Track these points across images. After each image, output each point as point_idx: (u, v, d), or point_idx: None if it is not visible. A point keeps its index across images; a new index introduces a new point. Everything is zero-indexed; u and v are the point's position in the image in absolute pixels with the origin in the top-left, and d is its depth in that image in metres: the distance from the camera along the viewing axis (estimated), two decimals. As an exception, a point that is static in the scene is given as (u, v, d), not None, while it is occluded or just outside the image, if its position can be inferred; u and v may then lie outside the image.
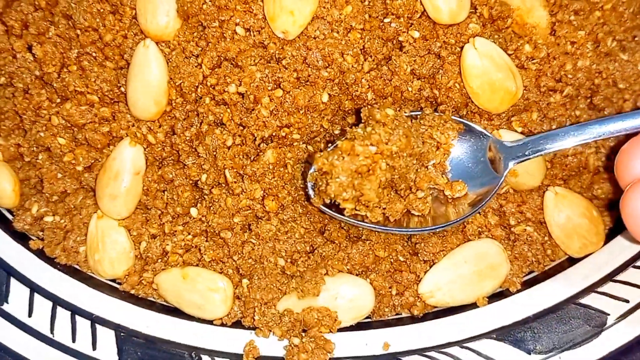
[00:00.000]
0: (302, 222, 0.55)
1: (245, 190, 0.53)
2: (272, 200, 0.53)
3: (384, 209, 0.51)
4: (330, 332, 0.52)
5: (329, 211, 0.53)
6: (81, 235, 0.57)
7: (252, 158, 0.54)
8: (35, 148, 0.58)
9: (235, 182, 0.53)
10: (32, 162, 0.59)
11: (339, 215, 0.52)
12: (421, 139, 0.52)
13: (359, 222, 0.53)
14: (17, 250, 0.57)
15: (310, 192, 0.53)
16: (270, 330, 0.53)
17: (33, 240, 0.58)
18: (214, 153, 0.53)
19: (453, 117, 0.53)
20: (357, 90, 0.52)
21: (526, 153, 0.52)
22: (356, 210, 0.50)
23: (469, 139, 0.53)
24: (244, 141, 0.53)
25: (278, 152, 0.53)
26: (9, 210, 0.60)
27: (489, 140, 0.53)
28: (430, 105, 0.55)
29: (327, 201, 0.50)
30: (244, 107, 0.53)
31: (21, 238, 0.58)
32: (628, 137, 0.50)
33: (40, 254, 0.57)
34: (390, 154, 0.47)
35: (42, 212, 0.58)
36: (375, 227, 0.52)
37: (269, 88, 0.52)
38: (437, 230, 0.53)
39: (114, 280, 0.57)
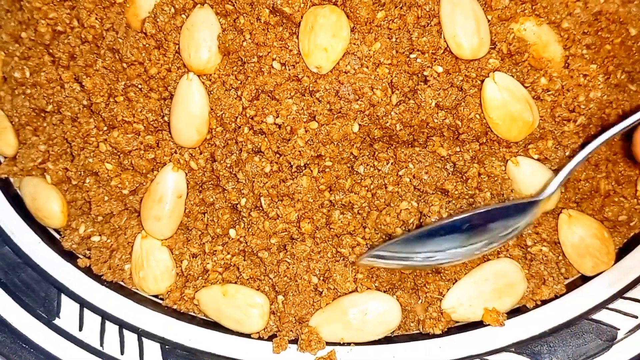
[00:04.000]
0: (334, 242, 0.59)
1: (280, 215, 0.57)
2: (308, 222, 0.57)
3: None
4: None
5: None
6: (126, 254, 0.61)
7: (288, 184, 0.58)
8: (82, 172, 0.62)
9: (270, 208, 0.57)
10: (78, 185, 0.63)
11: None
12: None
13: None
14: (66, 268, 0.61)
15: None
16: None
17: (80, 258, 0.62)
18: (253, 179, 0.57)
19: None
20: (387, 122, 0.56)
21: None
22: None
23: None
24: (280, 168, 0.57)
25: (312, 178, 0.57)
26: (56, 230, 0.64)
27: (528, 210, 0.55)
28: (453, 134, 0.59)
29: None
30: (281, 137, 0.57)
31: (69, 256, 0.62)
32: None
33: (87, 271, 0.61)
34: None
35: (89, 232, 0.62)
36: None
37: (304, 120, 0.56)
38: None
39: (157, 296, 0.61)
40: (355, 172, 0.58)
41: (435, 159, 0.57)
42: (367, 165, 0.58)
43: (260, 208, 0.58)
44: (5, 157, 0.67)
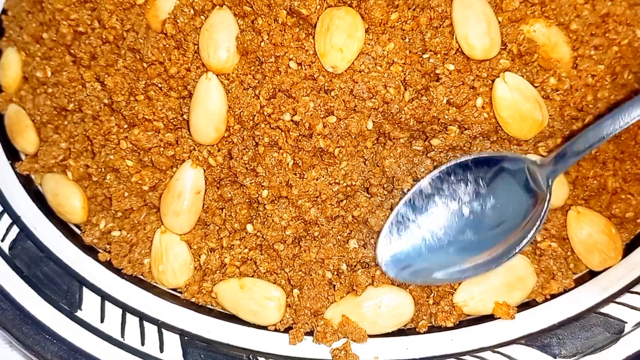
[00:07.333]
0: (347, 236, 0.60)
1: (295, 204, 0.59)
2: (322, 216, 0.59)
3: None
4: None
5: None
6: (145, 248, 0.63)
7: (303, 175, 0.59)
8: (103, 169, 0.64)
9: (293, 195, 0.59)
10: (99, 182, 0.64)
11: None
12: None
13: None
14: (88, 262, 0.63)
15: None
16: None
17: (101, 252, 0.63)
18: (274, 170, 0.59)
19: (486, 154, 0.59)
20: (401, 117, 0.58)
21: (560, 166, 0.57)
22: None
23: (507, 168, 0.58)
24: (299, 162, 0.59)
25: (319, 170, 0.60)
26: (77, 226, 0.66)
27: (525, 164, 0.58)
28: (463, 130, 0.60)
29: None
30: (300, 134, 0.58)
31: (90, 251, 0.63)
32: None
33: (108, 265, 0.63)
34: None
35: (109, 227, 0.64)
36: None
37: (322, 116, 0.58)
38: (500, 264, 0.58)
39: (175, 289, 0.62)
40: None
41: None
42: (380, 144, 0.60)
43: (277, 200, 0.59)
44: (26, 155, 0.69)
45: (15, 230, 0.64)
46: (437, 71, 0.59)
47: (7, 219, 0.64)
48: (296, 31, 0.59)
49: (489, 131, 0.59)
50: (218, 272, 0.61)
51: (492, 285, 0.58)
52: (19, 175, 0.68)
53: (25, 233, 0.64)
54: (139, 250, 0.63)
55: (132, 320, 0.59)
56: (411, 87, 0.59)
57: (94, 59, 0.65)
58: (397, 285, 0.59)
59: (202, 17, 0.61)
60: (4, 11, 0.75)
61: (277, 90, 0.59)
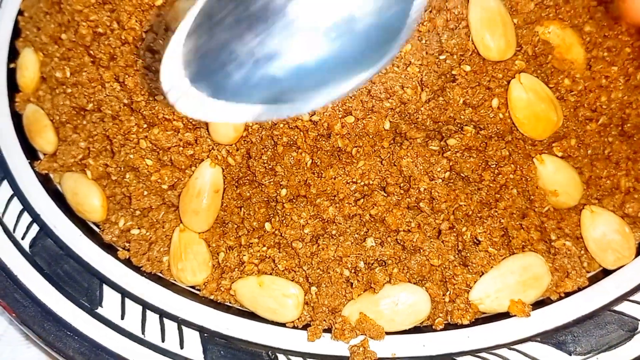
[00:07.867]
0: (364, 234, 0.61)
1: (313, 202, 0.60)
2: (339, 214, 0.60)
3: None
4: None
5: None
6: (164, 246, 0.63)
7: (321, 175, 0.60)
8: (122, 168, 0.65)
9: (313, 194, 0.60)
10: (118, 181, 0.65)
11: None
12: None
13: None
14: (107, 260, 0.63)
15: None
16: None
17: (120, 250, 0.64)
18: (292, 169, 0.59)
19: None
20: (417, 118, 0.59)
21: None
22: None
23: None
24: (319, 161, 0.60)
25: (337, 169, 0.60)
26: (95, 224, 0.66)
27: None
28: (479, 130, 0.61)
29: None
30: (319, 133, 0.59)
31: (109, 249, 0.64)
32: None
33: (127, 263, 0.63)
34: None
35: (128, 226, 0.64)
36: None
37: (340, 116, 0.59)
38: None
39: (194, 287, 0.63)
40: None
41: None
42: (396, 143, 0.60)
43: (295, 199, 0.60)
44: (45, 154, 0.70)
45: (35, 228, 0.64)
46: (453, 72, 0.60)
47: (27, 217, 0.65)
48: (315, 32, 0.60)
49: (504, 131, 0.60)
50: (236, 269, 0.61)
51: (507, 283, 0.59)
52: (37, 174, 0.68)
53: (45, 231, 0.64)
54: (157, 248, 0.63)
55: (152, 317, 0.60)
56: (428, 87, 0.60)
57: (113, 59, 0.65)
58: (414, 283, 0.60)
59: (221, 18, 0.62)
60: (20, 12, 0.76)
61: (295, 90, 0.60)
